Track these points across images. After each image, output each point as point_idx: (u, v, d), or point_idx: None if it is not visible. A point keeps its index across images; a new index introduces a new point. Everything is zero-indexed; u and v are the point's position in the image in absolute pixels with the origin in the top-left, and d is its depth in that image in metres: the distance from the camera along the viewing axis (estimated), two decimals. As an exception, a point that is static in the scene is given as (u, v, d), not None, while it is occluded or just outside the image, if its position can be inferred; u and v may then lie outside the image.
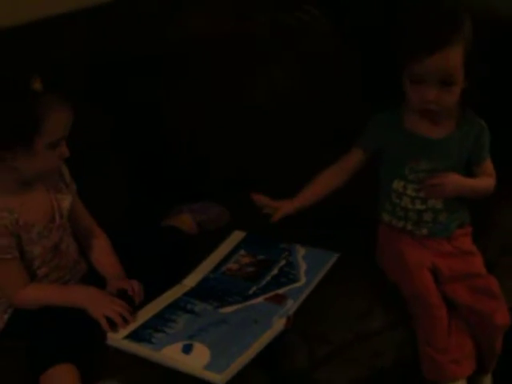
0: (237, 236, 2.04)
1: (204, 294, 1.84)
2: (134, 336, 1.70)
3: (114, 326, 1.71)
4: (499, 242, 2.05)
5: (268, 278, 1.89)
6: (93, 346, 1.70)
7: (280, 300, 1.81)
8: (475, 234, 1.97)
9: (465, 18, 1.78)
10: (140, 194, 2.15)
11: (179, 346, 1.67)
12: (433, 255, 1.90)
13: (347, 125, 2.25)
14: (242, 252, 1.99)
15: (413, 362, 1.86)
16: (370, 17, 2.46)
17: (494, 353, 1.92)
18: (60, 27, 2.12)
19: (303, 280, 1.88)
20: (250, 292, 1.85)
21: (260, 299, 1.82)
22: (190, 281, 1.89)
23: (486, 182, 1.90)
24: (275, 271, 1.91)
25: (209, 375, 1.62)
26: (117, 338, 1.70)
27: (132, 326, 1.72)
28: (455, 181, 1.85)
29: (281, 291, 1.84)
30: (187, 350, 1.67)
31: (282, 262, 1.94)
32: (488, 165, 1.91)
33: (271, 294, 1.84)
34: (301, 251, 1.97)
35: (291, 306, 1.80)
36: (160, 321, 1.74)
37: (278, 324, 1.75)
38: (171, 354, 1.66)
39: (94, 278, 1.84)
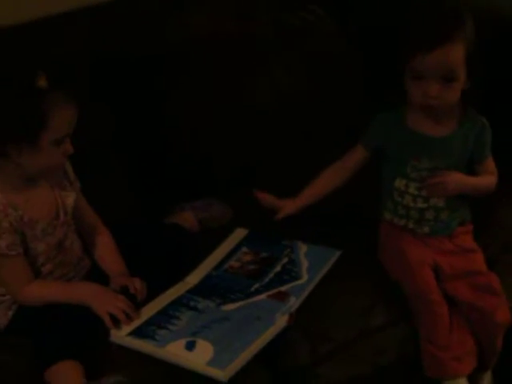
0: (239, 233, 2.05)
1: (207, 291, 1.85)
2: (138, 333, 1.71)
3: (117, 322, 1.71)
4: (500, 239, 2.05)
5: (270, 275, 1.90)
6: (96, 342, 1.71)
7: (282, 297, 1.82)
8: (476, 232, 1.98)
9: (467, 18, 1.80)
10: (142, 192, 2.15)
11: (182, 342, 1.68)
12: (434, 253, 1.91)
13: (350, 124, 2.26)
14: (245, 249, 1.99)
15: (414, 359, 1.86)
16: (374, 17, 2.47)
17: (494, 350, 1.92)
18: (61, 26, 2.12)
19: (305, 277, 1.89)
20: (253, 289, 1.86)
21: (262, 296, 1.83)
22: (193, 278, 1.90)
23: (487, 180, 1.91)
24: (278, 268, 1.92)
25: (212, 371, 1.62)
26: (120, 335, 1.70)
27: (135, 323, 1.73)
28: (457, 179, 1.86)
29: (283, 288, 1.85)
30: (190, 346, 1.67)
31: (285, 260, 1.95)
32: (490, 163, 1.91)
33: (274, 291, 1.85)
34: (303, 248, 1.98)
35: (293, 303, 1.81)
36: (163, 318, 1.75)
37: (281, 321, 1.75)
38: (175, 351, 1.67)
39: (97, 275, 1.85)
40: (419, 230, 1.93)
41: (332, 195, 1.97)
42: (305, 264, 1.93)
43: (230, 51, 2.28)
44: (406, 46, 1.79)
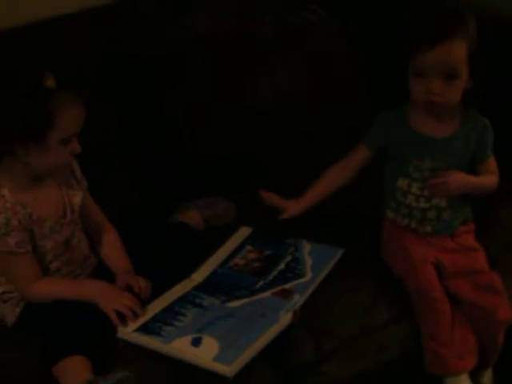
0: (244, 232, 2.06)
1: (212, 288, 1.86)
2: (144, 329, 1.72)
3: (124, 319, 1.73)
4: (502, 238, 2.06)
5: (275, 273, 1.91)
6: (103, 339, 1.72)
7: (287, 295, 1.84)
8: (478, 231, 1.99)
9: (469, 18, 1.81)
10: (147, 192, 2.17)
11: (188, 338, 1.70)
12: (436, 251, 1.92)
13: (351, 124, 2.27)
14: (249, 247, 2.00)
15: (416, 356, 1.88)
16: (375, 17, 2.47)
17: (495, 347, 1.94)
18: (62, 28, 2.12)
19: (309, 275, 1.90)
20: (257, 287, 1.87)
21: (267, 294, 1.85)
22: (199, 275, 1.91)
23: (489, 179, 1.92)
24: (282, 266, 1.93)
25: (218, 367, 1.64)
26: (127, 332, 1.72)
27: (142, 320, 1.74)
28: (459, 179, 1.87)
29: (287, 286, 1.86)
30: (196, 342, 1.69)
31: (289, 258, 1.96)
32: (491, 163, 1.92)
33: (278, 288, 1.86)
34: (307, 247, 1.99)
35: (298, 300, 1.82)
36: (169, 314, 1.76)
37: (285, 318, 1.77)
38: (181, 347, 1.68)
39: (103, 273, 1.86)
40: (422, 230, 1.94)
41: (335, 195, 1.98)
42: (308, 262, 1.94)
43: (230, 51, 2.29)
44: (406, 45, 1.80)
